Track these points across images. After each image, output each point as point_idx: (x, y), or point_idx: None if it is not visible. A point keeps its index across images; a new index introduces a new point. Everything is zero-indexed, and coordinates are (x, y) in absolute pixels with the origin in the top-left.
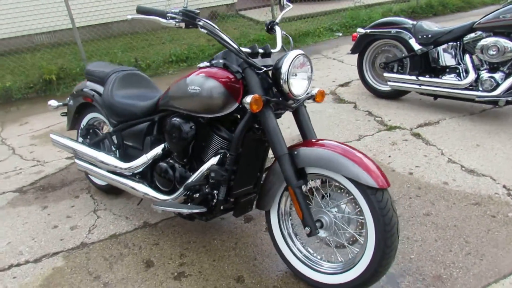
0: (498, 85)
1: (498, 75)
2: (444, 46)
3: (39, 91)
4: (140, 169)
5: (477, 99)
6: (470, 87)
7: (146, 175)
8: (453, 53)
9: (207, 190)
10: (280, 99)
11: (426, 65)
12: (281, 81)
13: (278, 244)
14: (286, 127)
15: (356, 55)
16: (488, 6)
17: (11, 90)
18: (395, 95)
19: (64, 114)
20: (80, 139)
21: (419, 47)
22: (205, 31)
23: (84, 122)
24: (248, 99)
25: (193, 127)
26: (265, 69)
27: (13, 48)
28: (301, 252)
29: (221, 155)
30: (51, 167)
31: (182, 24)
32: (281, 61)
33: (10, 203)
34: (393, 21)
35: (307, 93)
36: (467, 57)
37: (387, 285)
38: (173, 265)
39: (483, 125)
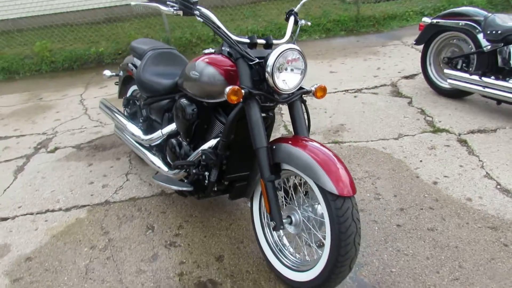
0: None
1: None
2: None
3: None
4: (156, 142)
5: None
6: None
7: (162, 149)
8: None
9: (194, 170)
10: (270, 92)
11: (493, 64)
12: (266, 74)
13: (256, 231)
14: (329, 116)
15: None
16: None
17: (103, 55)
18: (458, 95)
19: (117, 83)
20: (123, 108)
21: (487, 43)
22: (201, 20)
23: (128, 92)
24: (227, 89)
25: (195, 109)
26: (257, 60)
27: (112, 16)
28: (275, 242)
29: (219, 139)
30: (108, 130)
31: (180, 12)
32: (269, 54)
33: (67, 157)
34: (464, 12)
35: (301, 88)
36: None
37: None
38: (169, 234)
39: None
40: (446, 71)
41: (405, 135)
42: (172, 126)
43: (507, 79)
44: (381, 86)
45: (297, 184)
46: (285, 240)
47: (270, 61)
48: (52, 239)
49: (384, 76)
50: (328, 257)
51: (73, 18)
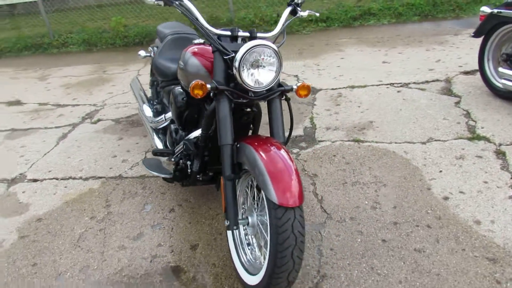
0: None
1: None
2: None
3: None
4: (161, 126)
5: None
6: None
7: (165, 133)
8: None
9: (173, 159)
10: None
11: None
12: (234, 70)
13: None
14: (360, 111)
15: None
16: None
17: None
18: None
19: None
20: (150, 89)
21: None
22: (180, 11)
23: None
24: (192, 83)
25: (184, 98)
26: (232, 54)
27: None
28: (240, 239)
29: None
30: None
31: (161, 2)
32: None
33: (104, 129)
34: None
35: (275, 86)
36: None
37: None
38: (159, 215)
39: None
40: (500, 69)
41: (435, 140)
42: None
43: None
44: (432, 81)
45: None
46: (251, 240)
47: (237, 57)
48: (64, 204)
49: (441, 70)
50: (266, 266)
51: None
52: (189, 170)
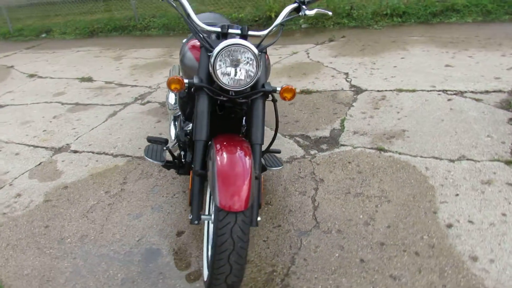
0: None
1: None
2: None
3: (260, 25)
4: (177, 114)
5: None
6: None
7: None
8: None
9: (164, 148)
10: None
11: None
12: (210, 67)
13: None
14: (398, 117)
15: None
16: None
17: (242, 20)
18: None
19: None
20: None
21: None
22: (172, 4)
23: None
24: (169, 78)
25: (186, 90)
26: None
27: None
28: (208, 235)
29: None
30: None
31: None
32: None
33: (149, 111)
34: None
35: (260, 87)
36: None
37: None
38: (162, 199)
39: None
40: None
41: (466, 159)
42: None
43: None
44: (493, 91)
45: None
46: None
47: (213, 54)
48: (89, 176)
49: (509, 79)
50: (208, 266)
51: None
52: (182, 160)
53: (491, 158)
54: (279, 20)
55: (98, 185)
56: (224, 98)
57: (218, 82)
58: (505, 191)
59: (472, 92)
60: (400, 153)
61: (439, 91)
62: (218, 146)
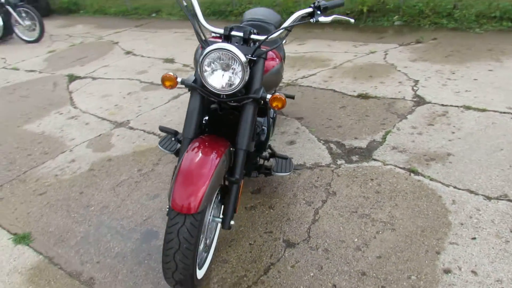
0: None
1: None
2: None
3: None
4: None
5: None
6: None
7: None
8: None
9: (173, 138)
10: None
11: None
12: (197, 68)
13: None
14: (449, 138)
15: None
16: None
17: (333, 12)
18: None
19: None
20: None
21: None
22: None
23: None
24: (163, 75)
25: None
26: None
27: None
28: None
29: None
30: None
31: None
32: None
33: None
34: None
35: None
36: None
37: None
38: None
39: None
40: None
41: (507, 199)
42: None
43: None
44: None
45: None
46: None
47: (201, 56)
48: (131, 153)
49: None
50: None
51: None
52: None
53: None
54: (285, 24)
55: (135, 162)
56: (215, 100)
57: (205, 83)
58: None
59: None
60: (431, 179)
61: None
62: (191, 146)
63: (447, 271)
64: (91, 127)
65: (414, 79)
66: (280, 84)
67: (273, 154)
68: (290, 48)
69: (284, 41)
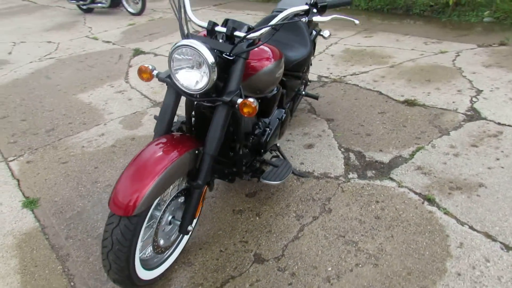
0: None
1: None
2: None
3: (435, 11)
4: None
5: None
6: None
7: None
8: None
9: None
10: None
11: None
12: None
13: None
14: (489, 166)
15: None
16: None
17: (416, 4)
18: None
19: None
20: None
21: None
22: None
23: None
24: (139, 66)
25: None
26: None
27: None
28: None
29: None
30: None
31: None
32: None
33: None
34: None
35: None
36: None
37: None
38: None
39: None
40: None
41: None
42: None
43: None
44: None
45: None
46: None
47: (170, 52)
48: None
49: None
50: None
51: None
52: None
53: None
54: (273, 21)
55: None
56: (189, 98)
57: (174, 80)
58: None
59: None
60: (446, 212)
61: None
62: (153, 142)
63: None
64: (131, 104)
65: (477, 88)
66: (326, 80)
67: (263, 161)
68: (353, 41)
69: (265, 40)
